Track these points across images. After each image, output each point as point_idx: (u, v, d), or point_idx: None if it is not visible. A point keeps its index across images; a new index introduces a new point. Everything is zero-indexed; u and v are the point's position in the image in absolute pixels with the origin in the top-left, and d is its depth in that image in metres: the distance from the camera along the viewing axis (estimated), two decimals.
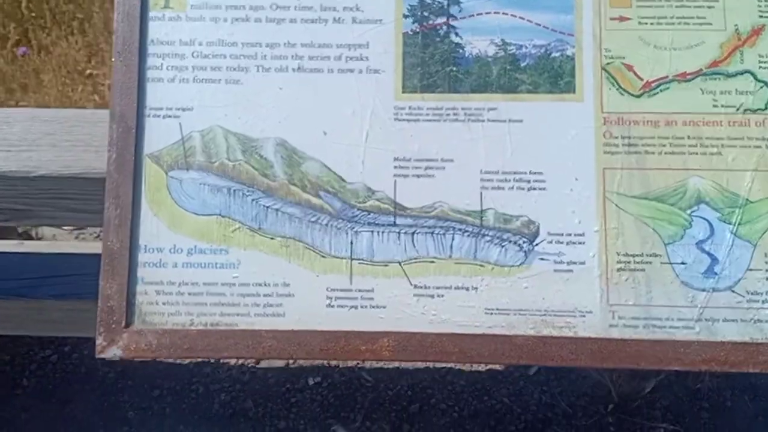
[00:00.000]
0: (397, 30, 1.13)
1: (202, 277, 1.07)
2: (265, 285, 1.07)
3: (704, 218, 1.06)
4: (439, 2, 1.15)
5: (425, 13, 1.15)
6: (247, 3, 1.12)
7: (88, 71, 3.03)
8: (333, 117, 1.09)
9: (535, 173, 1.08)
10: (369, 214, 1.09)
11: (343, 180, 1.09)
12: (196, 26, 1.11)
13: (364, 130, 1.09)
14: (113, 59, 1.08)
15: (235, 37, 1.11)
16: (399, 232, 1.08)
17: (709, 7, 1.11)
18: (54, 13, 3.22)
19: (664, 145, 1.07)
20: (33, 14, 3.21)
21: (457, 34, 1.14)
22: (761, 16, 1.10)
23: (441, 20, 1.14)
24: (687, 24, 1.10)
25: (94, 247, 1.57)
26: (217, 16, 1.12)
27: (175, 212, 1.08)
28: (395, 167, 1.09)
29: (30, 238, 2.42)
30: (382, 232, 1.08)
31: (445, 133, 1.09)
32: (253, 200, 1.09)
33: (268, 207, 1.08)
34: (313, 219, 1.08)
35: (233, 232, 1.08)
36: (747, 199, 1.06)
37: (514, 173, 1.08)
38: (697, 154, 1.07)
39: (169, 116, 1.08)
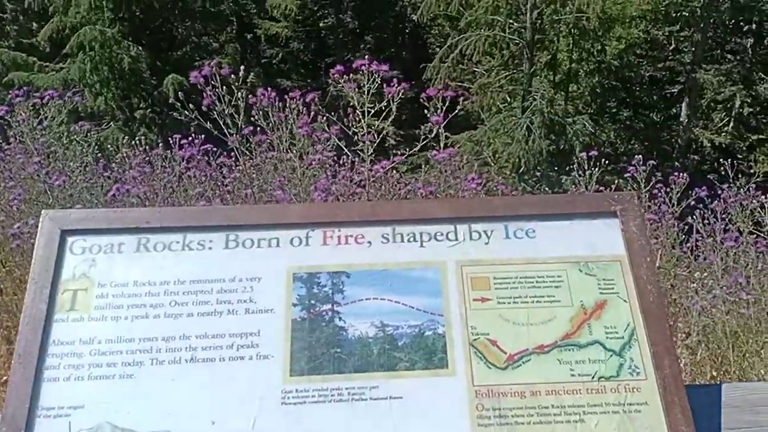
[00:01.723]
0: (287, 317, 1.25)
1: None
2: None
3: None
4: (324, 291, 1.29)
5: (312, 301, 1.28)
6: (148, 301, 1.23)
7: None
8: (222, 405, 1.15)
9: None
10: None
11: None
12: (97, 326, 1.20)
13: (252, 417, 1.14)
14: (13, 360, 1.15)
15: (133, 333, 1.20)
16: None
17: (557, 286, 1.28)
18: None
19: (531, 415, 1.16)
20: None
21: (341, 319, 1.26)
22: (602, 293, 1.27)
23: (326, 307, 1.27)
24: (540, 302, 1.26)
25: None
26: (118, 315, 1.22)
27: None
28: None
29: None
30: None
31: (329, 414, 1.15)
32: None
33: None
34: None
35: None
36: None
37: None
38: (562, 422, 1.15)
39: (60, 415, 1.13)
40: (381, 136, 3.79)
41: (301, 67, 22.52)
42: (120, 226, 1.31)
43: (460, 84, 16.46)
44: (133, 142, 4.53)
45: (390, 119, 3.84)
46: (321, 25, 21.65)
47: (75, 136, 4.51)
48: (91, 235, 1.30)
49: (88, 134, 4.86)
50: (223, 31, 19.34)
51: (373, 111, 3.75)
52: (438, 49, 16.62)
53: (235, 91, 3.16)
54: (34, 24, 15.49)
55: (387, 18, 21.82)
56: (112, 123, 13.20)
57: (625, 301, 1.26)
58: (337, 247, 1.31)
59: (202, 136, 4.24)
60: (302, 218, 1.34)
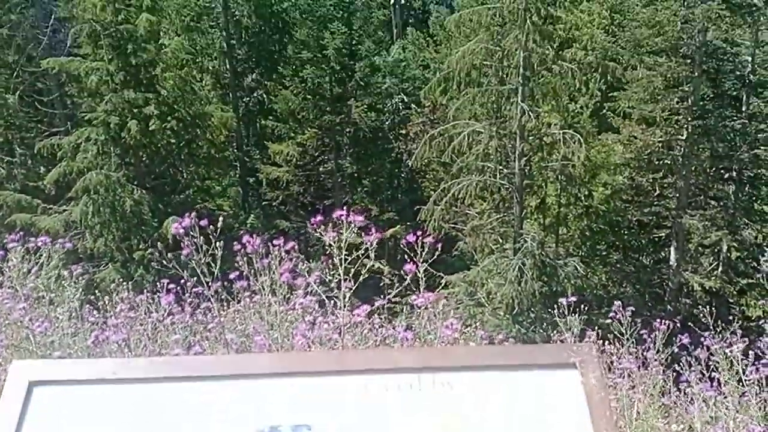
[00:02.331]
0: None
1: None
2: None
3: None
4: None
5: None
6: None
7: None
8: None
9: None
10: None
11: None
12: None
13: None
14: None
15: None
16: None
17: None
18: None
19: None
20: None
21: None
22: None
23: None
24: None
25: None
26: None
27: None
28: None
29: None
30: None
31: None
32: None
33: None
34: None
35: None
36: None
37: None
38: None
39: None
40: (357, 282, 3.91)
41: (300, 208, 23.14)
42: (87, 378, 1.34)
43: (453, 225, 16.88)
44: (126, 284, 4.61)
45: (368, 267, 3.96)
46: (321, 169, 22.51)
47: (65, 281, 4.61)
48: (59, 386, 1.33)
49: (80, 278, 4.96)
50: (227, 175, 20.07)
51: (349, 260, 3.89)
52: (432, 192, 17.19)
53: (213, 240, 3.31)
54: (42, 168, 16.14)
55: (383, 163, 22.72)
56: (110, 264, 13.38)
57: None
58: (301, 398, 1.33)
59: (195, 278, 4.34)
60: (269, 369, 1.37)
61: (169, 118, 14.70)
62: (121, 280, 5.05)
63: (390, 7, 32.55)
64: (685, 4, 16.21)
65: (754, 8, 16.12)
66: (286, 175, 21.36)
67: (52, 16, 21.14)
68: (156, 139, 14.51)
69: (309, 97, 21.39)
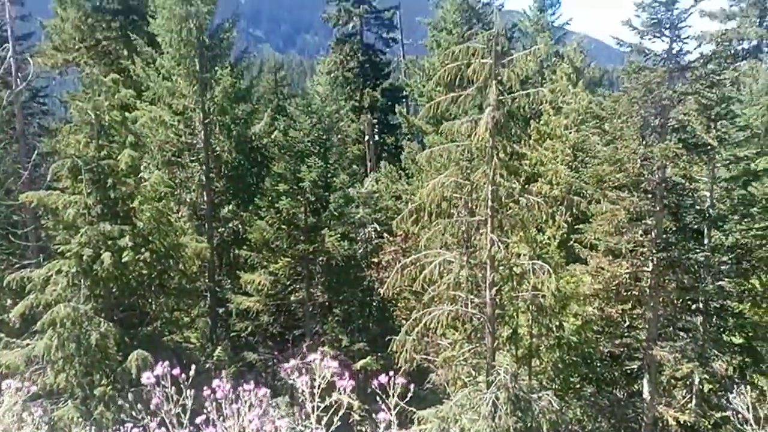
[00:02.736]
0: None
1: None
2: None
3: None
4: None
5: None
6: None
7: None
8: None
9: None
10: None
11: None
12: None
13: None
14: None
15: None
16: None
17: None
18: None
19: None
20: None
21: None
22: None
23: None
24: None
25: None
26: None
27: None
28: None
29: None
30: None
31: None
32: None
33: None
34: None
35: None
36: None
37: None
38: None
39: None
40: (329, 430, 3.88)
41: (269, 339, 22.76)
42: None
43: (425, 357, 16.73)
44: (85, 424, 4.49)
45: (341, 412, 3.95)
46: (292, 298, 22.40)
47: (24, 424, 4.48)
48: None
49: (41, 420, 4.82)
50: (196, 306, 19.87)
51: (322, 406, 3.89)
52: (404, 322, 17.15)
53: (184, 390, 3.31)
54: (9, 301, 15.86)
55: (355, 292, 22.74)
56: (69, 401, 12.87)
57: None
58: None
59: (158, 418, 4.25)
60: None
61: (143, 249, 14.75)
62: (80, 418, 4.91)
63: (365, 143, 33.94)
64: (644, 143, 17.20)
65: (709, 147, 17.16)
66: (257, 305, 21.22)
67: (35, 152, 21.69)
68: (128, 271, 14.47)
69: (284, 227, 21.71)
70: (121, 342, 13.84)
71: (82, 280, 13.60)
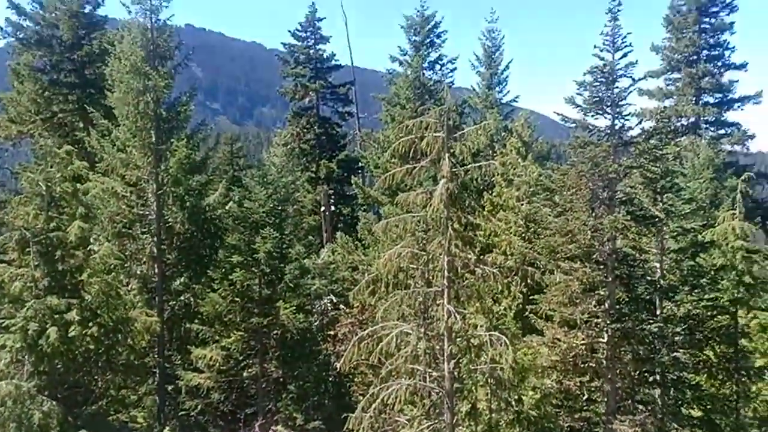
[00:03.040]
0: None
1: None
2: None
3: None
4: None
5: None
6: None
7: None
8: None
9: None
10: None
11: None
12: None
13: None
14: None
15: None
16: None
17: None
18: None
19: None
20: None
21: None
22: None
23: None
24: None
25: None
26: None
27: None
28: None
29: None
30: None
31: None
32: None
33: None
34: None
35: None
36: None
37: None
38: None
39: None
40: None
41: (220, 418, 21.89)
42: None
43: None
44: None
45: None
46: (245, 374, 21.69)
47: None
48: None
49: None
50: (144, 383, 19.07)
51: None
52: (361, 397, 16.75)
53: None
54: None
55: (311, 366, 22.18)
56: None
57: None
58: None
59: None
60: None
61: (90, 324, 14.23)
62: None
63: (321, 214, 33.98)
64: (594, 215, 17.67)
65: (656, 219, 17.72)
66: (208, 382, 20.48)
67: None
68: (75, 346, 13.89)
69: (237, 299, 21.24)
70: (65, 422, 13.13)
71: (26, 356, 12.98)
